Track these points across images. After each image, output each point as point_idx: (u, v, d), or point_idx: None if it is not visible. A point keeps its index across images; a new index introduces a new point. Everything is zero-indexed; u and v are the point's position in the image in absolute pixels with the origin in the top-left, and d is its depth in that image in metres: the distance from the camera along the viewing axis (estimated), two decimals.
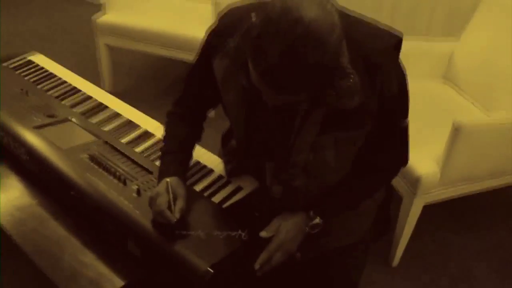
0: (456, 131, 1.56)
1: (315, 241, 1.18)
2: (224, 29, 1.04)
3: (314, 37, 0.80)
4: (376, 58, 0.97)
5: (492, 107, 2.00)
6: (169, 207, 1.03)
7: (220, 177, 1.24)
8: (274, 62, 0.81)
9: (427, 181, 1.67)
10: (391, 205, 1.37)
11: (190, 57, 2.73)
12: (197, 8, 2.97)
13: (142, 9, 2.89)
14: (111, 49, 2.86)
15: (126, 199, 1.08)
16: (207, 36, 1.11)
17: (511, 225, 2.29)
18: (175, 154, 1.17)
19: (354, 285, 1.32)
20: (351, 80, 0.92)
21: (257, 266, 1.02)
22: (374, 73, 0.96)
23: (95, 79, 2.96)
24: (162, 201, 1.02)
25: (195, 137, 1.26)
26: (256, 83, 0.89)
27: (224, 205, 1.15)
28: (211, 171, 1.26)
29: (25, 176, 1.25)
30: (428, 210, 1.87)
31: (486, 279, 2.01)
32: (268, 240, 1.06)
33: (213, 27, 1.09)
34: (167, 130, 1.23)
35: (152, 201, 1.04)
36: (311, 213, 1.10)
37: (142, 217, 1.04)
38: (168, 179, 1.07)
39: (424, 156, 1.70)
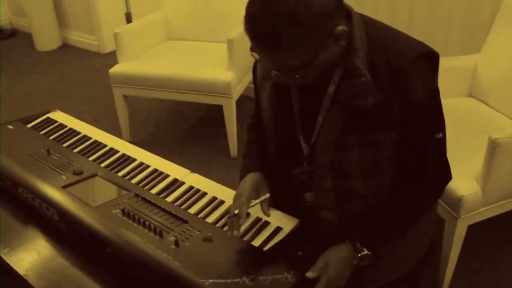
0: (493, 147, 1.53)
1: (362, 276, 1.15)
2: None
3: None
4: (399, 60, 1.00)
5: None
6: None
7: (257, 219, 1.22)
8: (254, 12, 0.91)
9: (469, 201, 1.62)
10: (432, 229, 1.33)
11: (207, 99, 2.78)
12: (211, 48, 3.02)
13: (154, 55, 2.95)
14: (127, 98, 2.90)
15: (165, 251, 1.05)
16: None
17: None
18: (253, 154, 1.29)
19: None
20: (364, 78, 0.98)
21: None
22: (396, 75, 0.99)
23: (114, 130, 3.00)
24: (244, 199, 1.12)
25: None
26: (257, 59, 0.98)
27: (265, 248, 1.12)
28: (247, 214, 1.24)
29: (55, 237, 1.25)
30: (471, 229, 1.82)
31: None
32: (315, 279, 1.04)
33: None
34: (246, 139, 1.38)
35: (235, 197, 1.16)
36: (358, 244, 1.08)
37: (183, 269, 1.01)
38: (252, 174, 1.19)
39: (462, 176, 1.65)
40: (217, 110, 3.13)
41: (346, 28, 0.97)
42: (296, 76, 0.98)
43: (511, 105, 2.06)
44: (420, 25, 2.63)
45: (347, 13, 1.02)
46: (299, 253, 1.11)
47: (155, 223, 1.16)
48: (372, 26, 1.03)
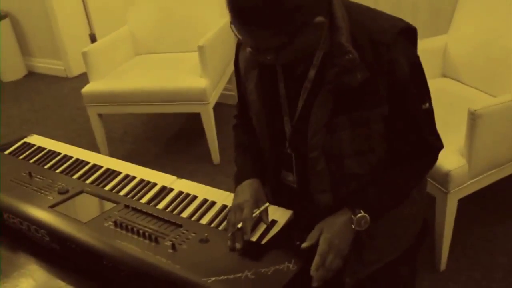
0: (473, 119, 1.57)
1: (362, 258, 1.17)
2: None
3: None
4: (381, 36, 1.03)
5: (498, 91, 2.02)
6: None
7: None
8: None
9: (457, 175, 1.66)
10: (424, 207, 1.36)
11: (184, 108, 2.78)
12: (180, 58, 3.03)
13: (124, 71, 2.95)
14: (102, 117, 2.88)
15: (163, 256, 1.05)
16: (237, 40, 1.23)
17: None
18: (246, 158, 1.29)
19: None
20: (351, 55, 1.00)
21: (313, 272, 1.00)
22: (379, 51, 1.02)
23: (92, 150, 2.93)
24: (248, 211, 1.11)
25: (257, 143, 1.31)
26: (234, 33, 0.99)
27: (263, 242, 1.13)
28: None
29: (48, 259, 1.23)
30: (460, 207, 1.85)
31: None
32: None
33: None
34: (234, 142, 1.37)
35: (236, 209, 1.13)
36: (355, 207, 1.09)
37: (184, 271, 1.01)
38: (249, 181, 1.19)
39: (447, 151, 1.67)
40: (194, 120, 3.14)
41: (325, 20, 1.00)
42: (268, 57, 1.00)
43: (484, 80, 2.11)
44: (385, 10, 2.68)
45: None
46: (298, 242, 1.12)
47: (150, 230, 1.15)
48: (351, 6, 1.07)
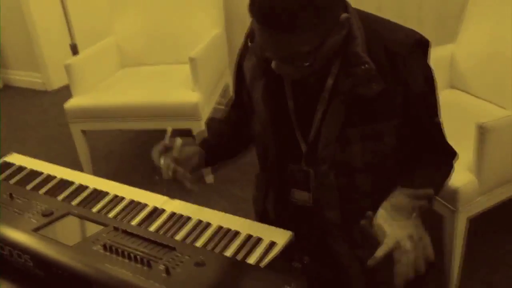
0: (482, 133, 1.62)
1: (372, 280, 1.21)
2: (251, 31, 1.18)
3: None
4: (397, 47, 1.08)
5: (509, 103, 2.07)
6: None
7: (249, 236, 1.25)
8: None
9: (465, 191, 1.70)
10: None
11: (174, 124, 2.78)
12: (170, 70, 3.07)
13: (111, 85, 2.98)
14: (86, 134, 2.91)
15: (157, 281, 1.07)
16: (240, 48, 1.28)
17: None
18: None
19: None
20: (367, 66, 1.04)
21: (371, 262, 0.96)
22: (396, 63, 1.07)
23: (75, 170, 2.97)
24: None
25: (234, 138, 1.41)
26: (256, 36, 1.02)
27: (262, 264, 1.15)
28: (237, 232, 1.28)
29: (31, 286, 1.25)
30: (471, 227, 1.88)
31: None
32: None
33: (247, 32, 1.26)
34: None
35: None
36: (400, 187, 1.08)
37: None
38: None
39: (455, 167, 1.73)
40: (187, 135, 3.16)
41: (349, 16, 1.05)
42: (306, 64, 1.03)
43: (494, 91, 2.16)
44: (391, 18, 2.74)
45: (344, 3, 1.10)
46: (299, 265, 1.15)
47: (141, 254, 1.17)
48: (366, 16, 1.12)
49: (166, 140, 1.18)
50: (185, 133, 1.35)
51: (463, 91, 2.32)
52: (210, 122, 1.43)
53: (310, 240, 1.21)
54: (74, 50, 4.42)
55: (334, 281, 1.23)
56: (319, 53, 1.03)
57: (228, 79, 3.35)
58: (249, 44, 1.11)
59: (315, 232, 1.22)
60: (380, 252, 0.96)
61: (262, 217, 1.34)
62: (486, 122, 1.60)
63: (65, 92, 3.89)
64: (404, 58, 1.08)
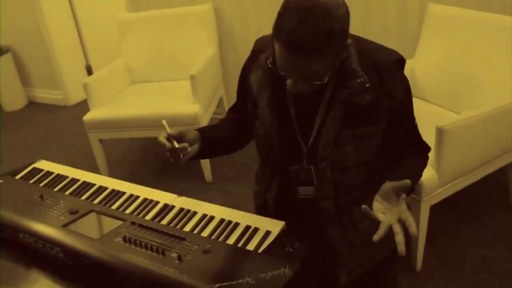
0: (440, 134, 1.64)
1: (356, 259, 1.25)
2: (257, 49, 1.24)
3: (324, 7, 0.97)
4: (384, 64, 1.12)
5: (461, 108, 2.11)
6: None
7: (247, 227, 1.26)
8: (292, 28, 0.97)
9: (428, 184, 1.72)
10: None
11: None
12: (172, 86, 3.07)
13: (122, 99, 2.97)
14: (102, 142, 2.90)
15: (171, 267, 1.08)
16: (245, 62, 1.29)
17: (506, 206, 2.34)
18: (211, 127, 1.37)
19: None
20: (362, 79, 1.08)
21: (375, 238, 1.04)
22: (383, 76, 1.10)
23: (94, 173, 2.96)
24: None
25: (232, 136, 1.38)
26: (278, 59, 1.03)
27: (259, 251, 1.16)
28: (237, 224, 1.28)
29: (60, 275, 1.24)
30: (432, 213, 1.92)
31: (505, 259, 2.03)
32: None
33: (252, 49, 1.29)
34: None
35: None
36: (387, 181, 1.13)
37: (191, 279, 1.04)
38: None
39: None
40: None
41: (351, 41, 1.08)
42: (317, 82, 1.06)
43: (448, 99, 2.20)
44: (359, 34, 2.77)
45: None
46: (290, 249, 1.16)
47: (156, 244, 1.18)
48: (356, 38, 1.15)
49: (167, 130, 1.22)
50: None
51: (422, 99, 2.35)
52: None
53: (306, 226, 1.22)
54: (89, 70, 4.42)
55: (324, 262, 1.24)
56: (330, 72, 1.07)
57: (222, 92, 3.36)
58: (268, 63, 1.11)
59: (311, 219, 1.23)
60: (377, 236, 1.05)
61: (262, 208, 1.35)
62: (444, 125, 1.63)
63: (82, 106, 3.90)
64: (389, 72, 1.12)
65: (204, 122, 2.80)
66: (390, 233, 1.28)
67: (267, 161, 1.28)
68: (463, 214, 2.34)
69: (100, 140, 2.84)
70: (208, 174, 2.88)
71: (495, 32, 2.16)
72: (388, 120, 1.14)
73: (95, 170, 2.95)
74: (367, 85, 1.09)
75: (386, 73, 1.11)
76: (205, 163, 2.85)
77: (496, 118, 1.81)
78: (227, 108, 3.42)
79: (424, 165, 1.29)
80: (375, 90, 1.10)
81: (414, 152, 1.26)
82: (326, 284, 1.26)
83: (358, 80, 1.09)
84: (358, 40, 1.15)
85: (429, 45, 2.35)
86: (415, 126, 1.22)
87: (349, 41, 1.07)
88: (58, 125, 4.10)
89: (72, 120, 4.08)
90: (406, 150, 1.24)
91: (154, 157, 3.33)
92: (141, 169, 3.18)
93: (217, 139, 1.36)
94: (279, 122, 1.21)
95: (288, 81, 1.08)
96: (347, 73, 1.11)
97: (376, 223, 1.22)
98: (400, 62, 1.14)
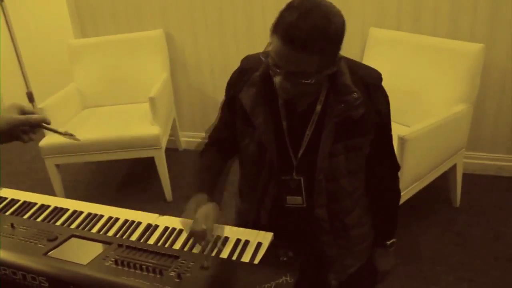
0: (401, 143, 1.70)
1: (343, 263, 1.28)
2: (247, 67, 1.21)
3: (324, 10, 1.00)
4: (372, 81, 1.15)
5: (409, 122, 2.20)
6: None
7: (238, 240, 1.21)
8: (292, 21, 0.98)
9: None
10: None
11: (139, 154, 2.68)
12: (127, 110, 2.97)
13: (77, 123, 2.83)
14: (59, 167, 2.71)
15: (172, 286, 1.00)
16: (230, 79, 1.25)
17: (448, 205, 2.45)
18: (204, 179, 1.30)
19: None
20: (356, 94, 1.10)
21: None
22: (372, 92, 1.13)
23: None
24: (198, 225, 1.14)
25: (223, 162, 1.34)
26: (273, 53, 1.03)
27: (255, 262, 1.12)
28: (226, 238, 1.23)
29: None
30: None
31: (455, 252, 2.13)
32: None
33: (236, 70, 1.26)
34: (199, 160, 1.36)
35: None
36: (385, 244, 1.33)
37: None
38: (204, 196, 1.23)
39: None
40: (142, 162, 3.05)
41: (342, 56, 1.09)
42: (302, 81, 1.04)
43: (398, 115, 2.28)
44: None
45: None
46: (285, 258, 1.13)
47: (151, 264, 1.10)
48: (345, 57, 1.16)
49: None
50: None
51: None
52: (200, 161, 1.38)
53: (299, 235, 1.20)
54: (30, 97, 4.15)
55: (315, 267, 1.23)
56: (317, 76, 1.05)
57: (175, 115, 3.28)
58: (262, 57, 1.09)
59: (304, 227, 1.21)
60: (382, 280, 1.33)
61: (254, 224, 1.30)
62: (405, 135, 1.69)
63: None
64: (376, 89, 1.16)
65: (164, 142, 2.71)
66: (368, 241, 1.31)
67: (258, 175, 1.25)
68: (412, 215, 2.43)
69: (57, 165, 2.66)
70: (168, 194, 2.78)
71: (430, 51, 2.29)
72: (375, 132, 1.16)
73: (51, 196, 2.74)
74: (360, 100, 1.11)
75: (373, 89, 1.14)
76: (166, 182, 2.75)
77: (446, 125, 1.91)
78: (180, 131, 3.40)
79: (397, 201, 1.35)
80: (365, 105, 1.12)
81: (388, 172, 1.28)
82: (316, 285, 1.24)
83: (353, 95, 1.10)
84: (345, 58, 1.17)
85: (373, 66, 2.43)
86: (391, 137, 1.25)
87: (341, 54, 1.07)
88: (3, 153, 3.79)
89: (17, 148, 3.79)
90: (381, 171, 1.26)
91: (108, 180, 3.16)
92: (97, 193, 3.00)
93: (218, 181, 1.34)
94: (275, 136, 1.20)
95: (277, 79, 1.07)
96: (341, 89, 1.12)
97: (365, 230, 1.29)
98: (381, 79, 1.18)
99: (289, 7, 1.02)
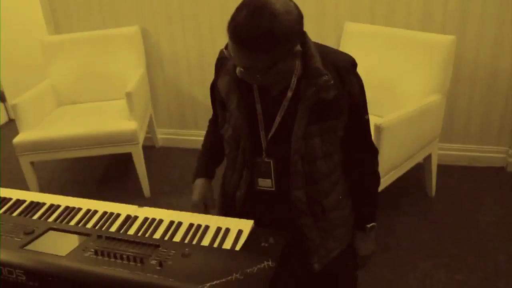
0: (378, 131, 1.72)
1: (327, 247, 1.29)
2: (221, 57, 1.24)
3: (272, 9, 1.00)
4: (343, 64, 1.16)
5: (383, 113, 2.23)
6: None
7: (218, 229, 1.21)
8: (239, 20, 1.01)
9: None
10: None
11: (116, 149, 2.64)
12: (103, 106, 2.92)
13: (52, 121, 2.77)
14: (33, 165, 2.65)
15: (154, 273, 0.99)
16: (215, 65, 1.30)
17: (423, 196, 2.50)
18: (204, 159, 1.40)
19: (356, 277, 1.46)
20: (326, 77, 1.11)
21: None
22: (343, 75, 1.15)
23: None
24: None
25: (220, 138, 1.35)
26: (229, 50, 1.06)
27: (236, 249, 1.12)
28: (207, 227, 1.23)
29: None
30: None
31: (432, 239, 2.16)
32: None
33: (216, 58, 1.28)
34: (204, 137, 1.46)
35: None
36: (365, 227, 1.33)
37: (179, 283, 0.97)
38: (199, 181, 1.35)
39: None
40: (119, 159, 3.01)
41: (301, 49, 1.10)
42: (257, 76, 1.07)
43: (372, 105, 2.30)
44: None
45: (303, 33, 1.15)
46: (266, 245, 1.13)
47: (131, 253, 1.08)
48: (316, 43, 1.19)
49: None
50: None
51: None
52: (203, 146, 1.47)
53: (278, 219, 1.21)
54: (2, 97, 4.04)
55: (297, 251, 1.24)
56: (270, 71, 1.07)
57: (151, 111, 3.24)
58: (224, 50, 1.12)
59: (280, 211, 1.22)
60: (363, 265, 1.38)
61: (229, 208, 1.31)
62: (381, 123, 1.71)
63: None
64: (348, 71, 1.17)
65: (141, 138, 2.68)
66: (348, 225, 1.33)
67: (235, 159, 1.26)
68: (389, 205, 2.47)
69: (32, 163, 2.60)
70: (146, 190, 2.75)
71: (403, 44, 2.34)
72: (348, 114, 1.18)
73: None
74: (331, 82, 1.13)
75: (344, 73, 1.16)
76: (144, 179, 2.72)
77: (420, 114, 1.94)
78: (156, 128, 3.36)
79: (377, 185, 1.36)
80: (337, 88, 1.14)
81: (365, 156, 1.29)
82: (300, 272, 1.25)
83: (323, 78, 1.12)
84: (316, 44, 1.19)
85: None
86: (367, 121, 1.27)
87: (298, 48, 1.08)
88: None
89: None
90: (356, 155, 1.27)
91: (85, 177, 3.10)
92: (74, 191, 2.95)
93: (219, 161, 1.42)
94: (248, 121, 1.21)
95: (237, 70, 1.10)
96: (312, 72, 1.13)
97: (344, 213, 1.29)
98: (354, 64, 1.20)
99: (241, 5, 1.03)
